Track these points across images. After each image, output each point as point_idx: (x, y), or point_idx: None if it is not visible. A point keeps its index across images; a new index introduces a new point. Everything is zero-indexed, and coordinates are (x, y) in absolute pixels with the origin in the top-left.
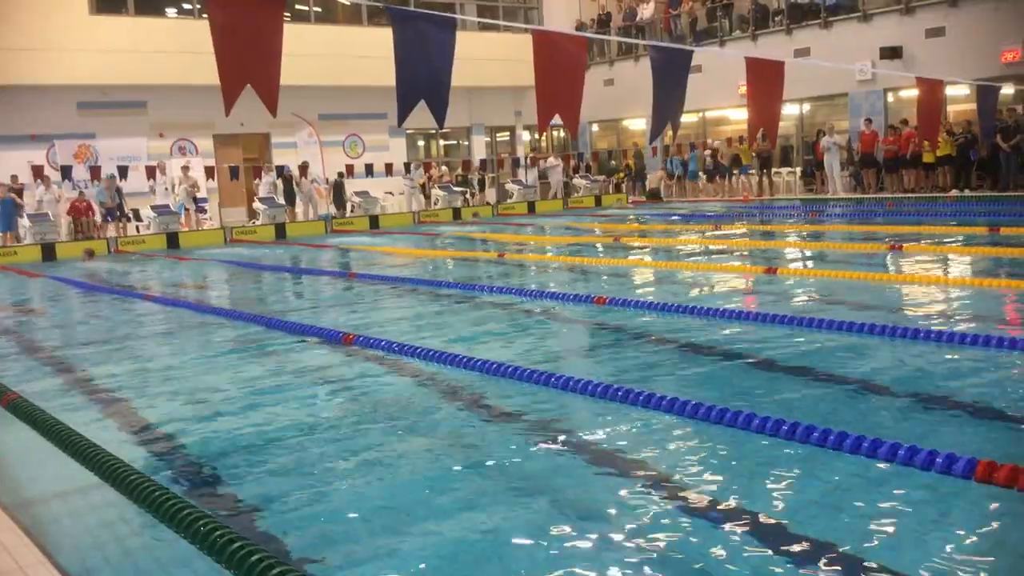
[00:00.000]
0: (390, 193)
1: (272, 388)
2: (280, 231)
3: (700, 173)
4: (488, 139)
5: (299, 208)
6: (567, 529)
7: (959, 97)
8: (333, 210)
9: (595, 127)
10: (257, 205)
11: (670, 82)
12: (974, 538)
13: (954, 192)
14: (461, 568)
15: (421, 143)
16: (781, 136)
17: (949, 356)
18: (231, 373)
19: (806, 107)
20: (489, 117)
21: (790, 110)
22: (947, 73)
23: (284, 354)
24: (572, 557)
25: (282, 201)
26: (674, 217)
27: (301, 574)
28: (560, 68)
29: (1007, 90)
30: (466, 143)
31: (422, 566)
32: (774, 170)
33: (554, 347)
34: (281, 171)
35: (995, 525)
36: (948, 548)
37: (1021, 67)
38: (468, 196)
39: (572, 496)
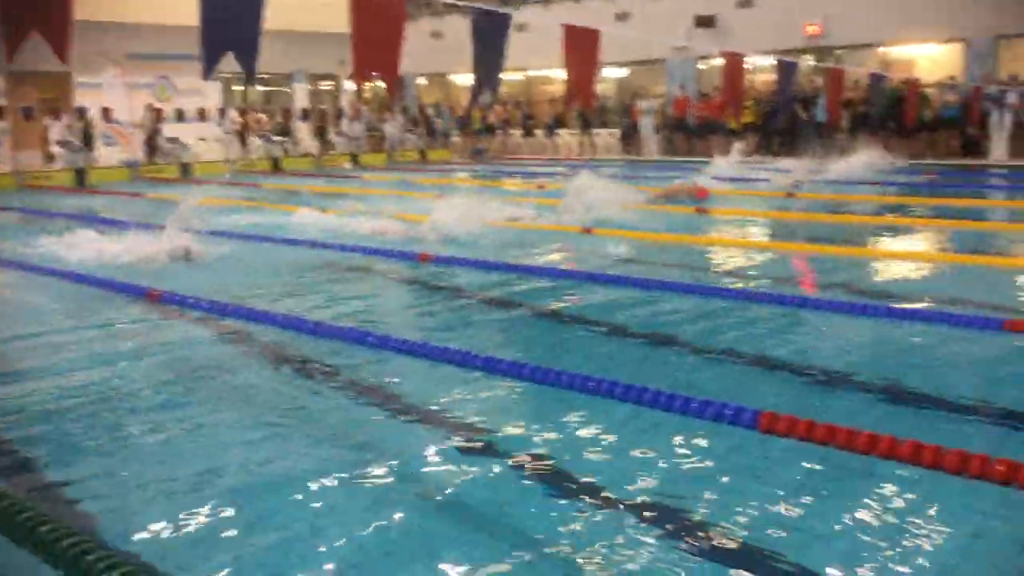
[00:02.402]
0: (203, 140)
1: (73, 350)
2: (80, 177)
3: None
4: (311, 87)
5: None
6: (378, 478)
7: (767, 67)
8: (142, 156)
9: (422, 80)
10: (55, 149)
11: (489, 43)
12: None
13: (757, 157)
14: (270, 527)
15: (239, 88)
16: (604, 98)
17: (733, 310)
18: (28, 332)
19: (626, 71)
20: (312, 64)
21: (611, 73)
22: (756, 42)
23: (85, 312)
24: (382, 505)
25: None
26: (506, 172)
27: (108, 553)
28: (378, 19)
29: (809, 61)
30: (288, 90)
31: (232, 522)
32: (594, 131)
33: (375, 304)
34: (82, 113)
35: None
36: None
37: (822, 40)
38: (289, 147)
39: (384, 448)
